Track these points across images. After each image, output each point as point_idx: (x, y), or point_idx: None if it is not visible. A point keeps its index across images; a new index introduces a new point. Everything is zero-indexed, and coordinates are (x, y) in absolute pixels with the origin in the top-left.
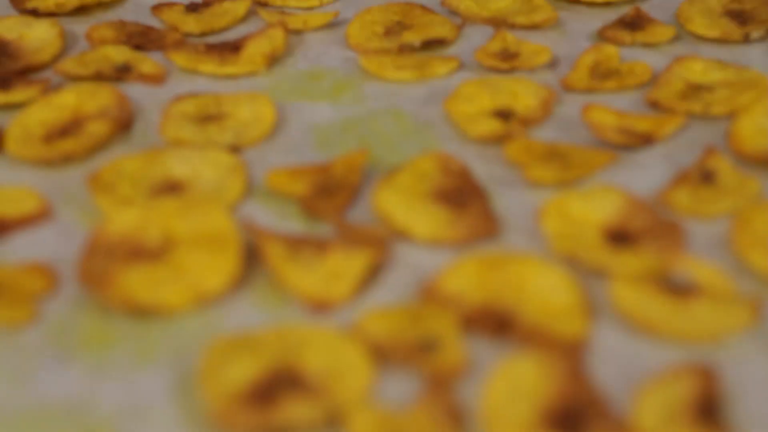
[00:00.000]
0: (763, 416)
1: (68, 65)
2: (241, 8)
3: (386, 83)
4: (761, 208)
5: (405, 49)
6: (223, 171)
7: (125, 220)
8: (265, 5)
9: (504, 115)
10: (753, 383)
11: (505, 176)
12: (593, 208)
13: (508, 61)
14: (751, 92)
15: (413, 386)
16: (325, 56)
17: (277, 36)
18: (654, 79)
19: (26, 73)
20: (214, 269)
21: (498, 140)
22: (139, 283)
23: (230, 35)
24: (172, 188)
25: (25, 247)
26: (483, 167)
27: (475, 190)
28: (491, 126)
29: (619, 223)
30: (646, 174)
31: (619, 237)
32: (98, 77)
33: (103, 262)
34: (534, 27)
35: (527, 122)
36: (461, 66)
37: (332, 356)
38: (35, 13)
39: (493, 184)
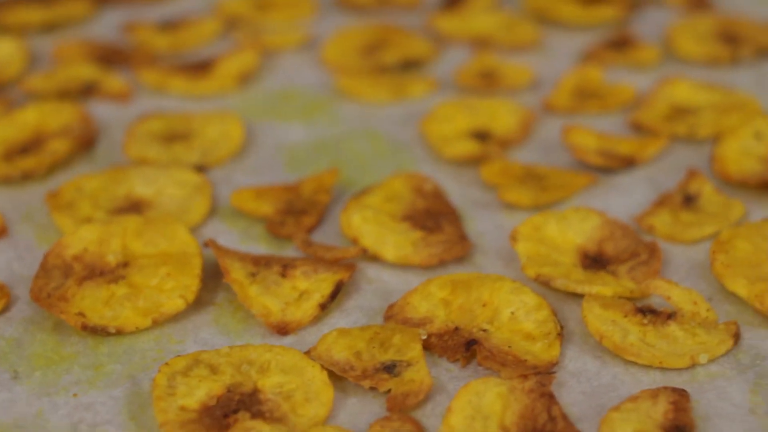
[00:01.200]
0: None
1: (34, 82)
2: (213, 26)
3: (361, 104)
4: (741, 232)
5: (382, 69)
6: (187, 190)
7: (83, 237)
8: (238, 24)
9: (481, 136)
10: (728, 408)
11: (480, 198)
12: (570, 230)
13: (488, 81)
14: (737, 114)
15: (375, 410)
16: (299, 76)
17: (250, 55)
18: (638, 101)
19: None
20: (174, 289)
21: (474, 161)
22: (95, 302)
23: (202, 54)
24: (134, 207)
25: None
26: (458, 189)
27: (448, 211)
28: (467, 147)
29: (596, 246)
30: (627, 197)
31: (596, 260)
32: (64, 94)
33: (57, 280)
34: (516, 47)
35: (505, 143)
36: (439, 87)
37: (292, 378)
38: (1, 29)
39: (467, 206)
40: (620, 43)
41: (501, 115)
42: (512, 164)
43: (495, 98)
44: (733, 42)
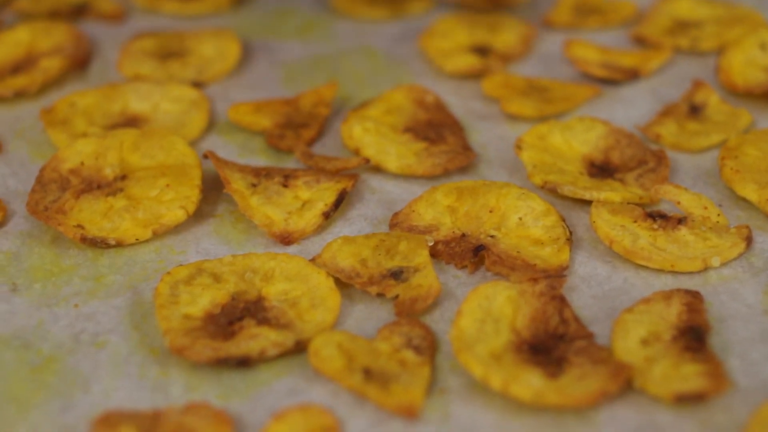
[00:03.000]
0: (748, 341)
1: (24, 3)
2: None
3: (358, 22)
4: (749, 138)
5: None
6: (184, 105)
7: (79, 150)
8: None
9: (482, 51)
10: (743, 310)
11: (482, 111)
12: (575, 139)
13: None
14: (740, 27)
15: (383, 317)
16: None
17: None
18: (639, 16)
19: None
20: (174, 200)
21: (475, 76)
22: (93, 214)
23: None
24: (130, 123)
25: None
26: (460, 102)
27: (451, 122)
28: (468, 61)
29: (602, 155)
30: (631, 108)
31: (603, 168)
32: (54, 15)
33: (55, 194)
34: None
35: (506, 58)
36: (438, 3)
37: (297, 284)
38: None
39: (470, 118)
40: None
41: (501, 31)
42: (514, 77)
43: (495, 14)
44: None
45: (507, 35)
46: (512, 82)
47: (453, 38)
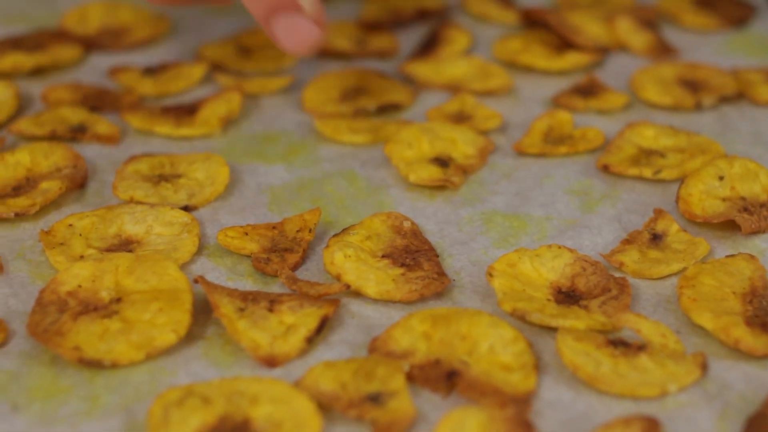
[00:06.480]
0: None
1: (23, 125)
2: (197, 72)
3: (340, 146)
4: (706, 268)
5: (360, 114)
6: (176, 229)
7: (77, 274)
8: (222, 69)
9: (442, 161)
10: None
11: (458, 236)
12: (543, 267)
13: (459, 122)
14: (701, 157)
15: None
16: (280, 119)
17: (233, 99)
18: (606, 145)
19: None
20: (166, 324)
21: (437, 186)
22: (89, 336)
23: (186, 98)
24: (125, 245)
25: None
26: (436, 228)
27: (426, 248)
28: (430, 172)
29: (568, 281)
30: (597, 236)
31: (569, 295)
32: (53, 137)
33: (53, 315)
34: (489, 93)
35: (465, 170)
36: None
37: (282, 408)
38: None
39: (445, 243)
40: (588, 90)
41: (461, 142)
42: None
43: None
44: (695, 89)
45: (466, 147)
46: None
47: (416, 147)
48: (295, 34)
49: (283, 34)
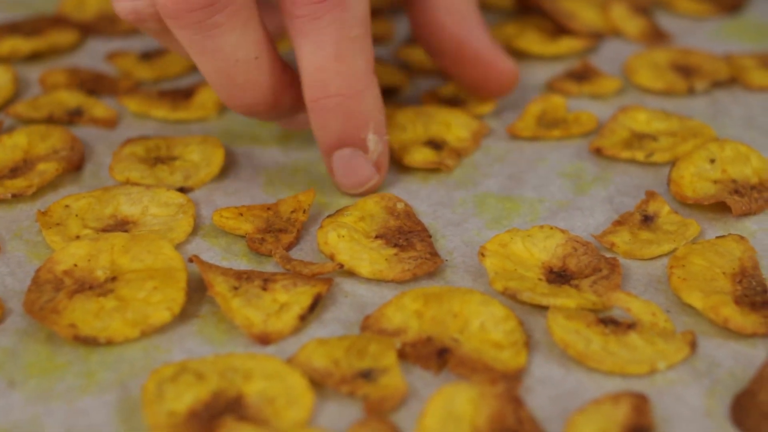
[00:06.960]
0: None
1: (21, 108)
2: None
3: None
4: (696, 249)
5: None
6: (171, 210)
7: (73, 253)
8: None
9: (436, 144)
10: (685, 412)
11: (451, 217)
12: (535, 247)
13: (454, 106)
14: (693, 141)
15: (353, 414)
16: None
17: None
18: (599, 128)
19: None
20: (161, 302)
21: (431, 169)
22: (85, 314)
23: (183, 82)
24: (120, 226)
25: None
26: (429, 210)
27: (419, 229)
28: (424, 154)
29: (560, 261)
30: (589, 217)
31: (560, 275)
32: (50, 120)
33: (49, 294)
34: None
35: (459, 153)
36: None
37: (275, 384)
38: None
39: (438, 224)
40: (582, 74)
41: (455, 126)
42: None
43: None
44: (688, 74)
45: (459, 130)
46: None
47: (411, 131)
48: (354, 173)
49: (341, 170)
